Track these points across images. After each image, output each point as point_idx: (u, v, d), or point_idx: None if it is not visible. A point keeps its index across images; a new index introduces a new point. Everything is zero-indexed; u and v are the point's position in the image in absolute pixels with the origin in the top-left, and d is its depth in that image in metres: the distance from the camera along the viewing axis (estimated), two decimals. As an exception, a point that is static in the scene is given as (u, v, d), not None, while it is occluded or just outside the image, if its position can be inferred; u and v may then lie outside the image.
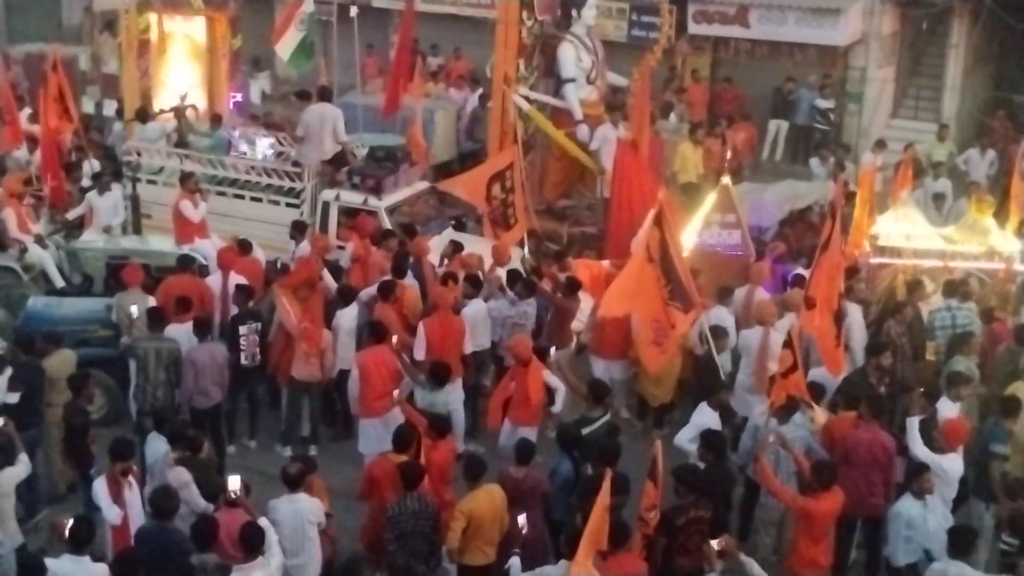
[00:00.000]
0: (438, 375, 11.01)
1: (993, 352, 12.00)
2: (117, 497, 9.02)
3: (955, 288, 12.67)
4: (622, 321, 11.87)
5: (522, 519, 8.90)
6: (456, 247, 13.60)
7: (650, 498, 8.81)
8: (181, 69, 20.03)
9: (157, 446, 9.77)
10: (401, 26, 18.91)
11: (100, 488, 9.07)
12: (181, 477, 9.22)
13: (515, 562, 8.62)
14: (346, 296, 12.34)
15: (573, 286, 12.70)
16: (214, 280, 12.89)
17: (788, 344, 10.06)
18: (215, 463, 10.59)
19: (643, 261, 11.16)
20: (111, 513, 8.94)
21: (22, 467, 9.61)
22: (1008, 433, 10.26)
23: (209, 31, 20.30)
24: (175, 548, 8.43)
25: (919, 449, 9.70)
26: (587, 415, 10.53)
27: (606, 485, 8.29)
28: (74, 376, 10.63)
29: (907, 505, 9.38)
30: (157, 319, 11.59)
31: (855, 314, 12.36)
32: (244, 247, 13.40)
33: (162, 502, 8.67)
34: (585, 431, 10.12)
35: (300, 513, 8.93)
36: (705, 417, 10.40)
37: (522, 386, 10.94)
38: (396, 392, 10.81)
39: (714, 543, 8.51)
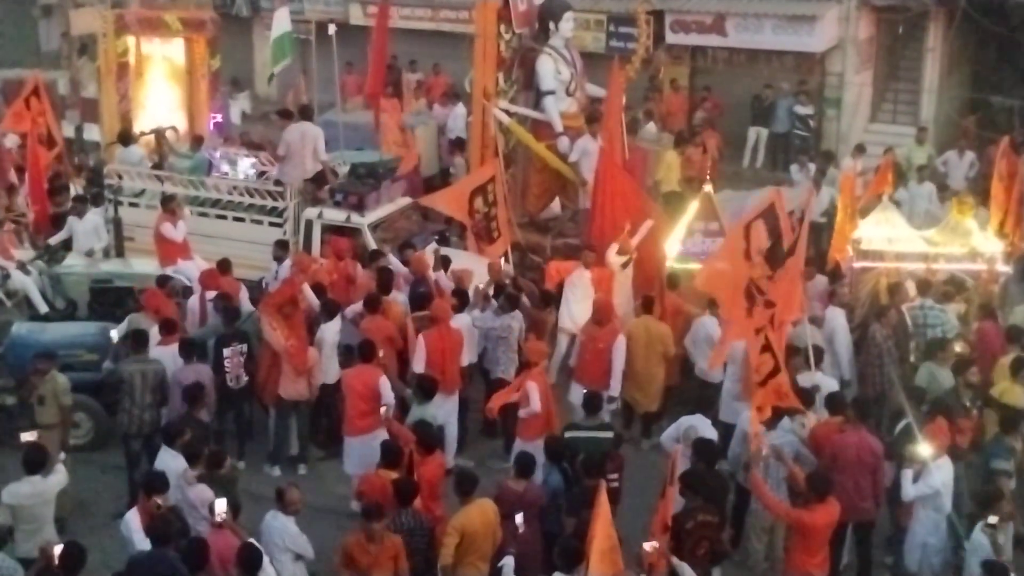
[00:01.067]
0: (425, 388, 11.01)
1: (984, 352, 11.94)
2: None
3: (927, 287, 12.74)
4: (604, 352, 11.89)
5: (519, 518, 8.92)
6: (445, 261, 13.66)
7: (667, 508, 8.77)
8: (160, 91, 20.02)
9: (167, 461, 9.67)
10: (375, 39, 18.85)
11: (133, 522, 8.87)
12: (203, 495, 9.13)
13: (508, 561, 8.62)
14: (330, 310, 12.32)
15: (547, 298, 12.83)
16: (192, 300, 12.92)
17: (768, 349, 10.05)
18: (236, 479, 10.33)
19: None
20: (146, 547, 8.66)
21: (61, 475, 9.74)
22: (1010, 449, 10.15)
23: (188, 52, 20.31)
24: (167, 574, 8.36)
25: (911, 491, 9.62)
26: (577, 423, 10.62)
27: (602, 497, 8.31)
28: None
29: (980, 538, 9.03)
30: (141, 342, 11.56)
31: (839, 318, 12.44)
32: (223, 267, 13.37)
33: (162, 529, 8.56)
34: (568, 435, 10.20)
35: (283, 530, 8.92)
36: (693, 419, 10.46)
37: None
38: (383, 408, 10.74)
39: (646, 546, 8.33)
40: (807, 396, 10.68)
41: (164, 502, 8.91)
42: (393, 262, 13.28)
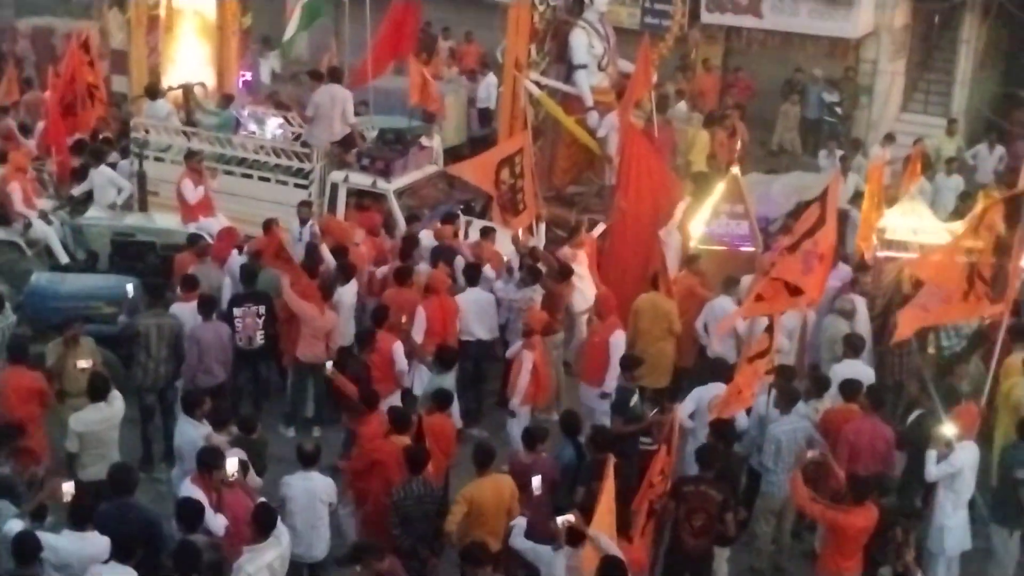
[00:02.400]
0: (444, 358, 11.09)
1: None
2: (218, 506, 8.70)
3: None
4: (600, 345, 11.77)
5: (536, 480, 8.94)
6: (488, 232, 13.76)
7: (660, 463, 8.80)
8: (190, 47, 20.05)
9: (187, 431, 9.71)
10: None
11: (193, 492, 8.67)
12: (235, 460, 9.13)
13: (520, 522, 8.63)
14: (347, 273, 12.34)
15: (565, 272, 12.82)
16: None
17: (768, 328, 10.18)
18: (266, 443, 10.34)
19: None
20: (216, 523, 8.53)
21: (121, 403, 10.03)
22: None
23: (219, 9, 20.32)
24: (141, 521, 8.43)
25: (934, 471, 9.58)
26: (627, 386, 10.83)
27: (610, 471, 8.35)
28: None
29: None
30: (158, 296, 11.71)
31: (860, 307, 12.37)
32: (266, 226, 13.20)
33: (122, 476, 8.71)
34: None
35: (313, 491, 9.00)
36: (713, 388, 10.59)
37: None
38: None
39: (559, 519, 8.34)
40: (822, 382, 10.71)
41: (227, 476, 8.79)
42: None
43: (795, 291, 10.45)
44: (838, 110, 21.83)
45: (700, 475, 9.25)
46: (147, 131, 15.81)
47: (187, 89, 18.16)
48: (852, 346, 11.29)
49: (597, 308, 12.32)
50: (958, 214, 14.75)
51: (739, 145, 16.13)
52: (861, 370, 11.04)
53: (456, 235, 13.74)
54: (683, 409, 10.47)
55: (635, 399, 10.55)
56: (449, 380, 11.01)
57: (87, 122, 16.48)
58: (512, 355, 11.66)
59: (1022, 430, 10.07)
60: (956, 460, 9.53)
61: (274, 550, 8.07)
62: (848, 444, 9.84)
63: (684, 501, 9.03)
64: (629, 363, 11.02)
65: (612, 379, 11.57)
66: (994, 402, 11.07)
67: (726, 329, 11.59)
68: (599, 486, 8.45)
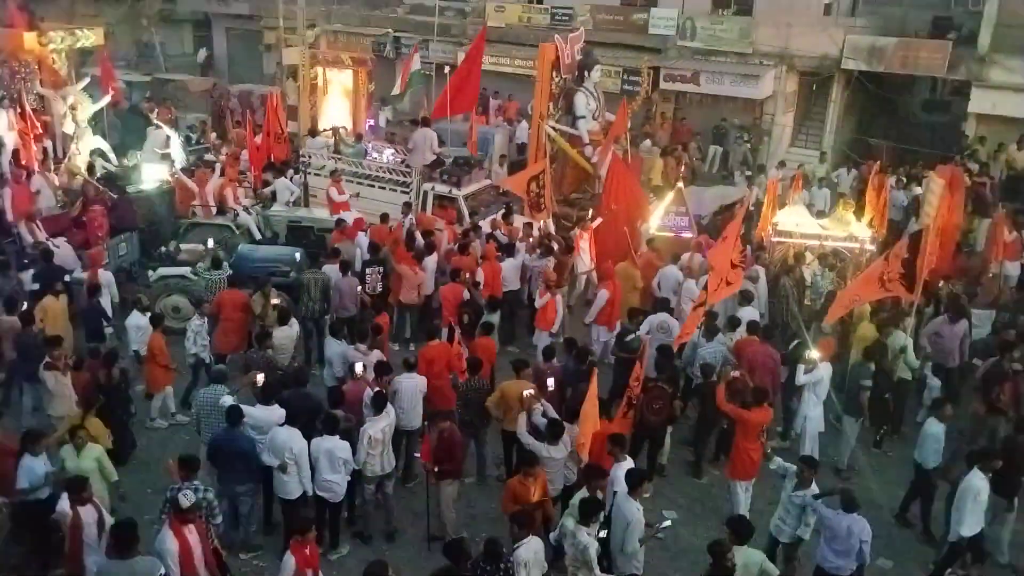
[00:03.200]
0: (492, 303, 11.06)
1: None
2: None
3: (824, 257, 12.42)
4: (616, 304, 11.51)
5: (551, 381, 8.70)
6: (507, 213, 13.82)
7: (636, 372, 8.66)
8: (336, 103, 19.98)
9: (333, 345, 9.71)
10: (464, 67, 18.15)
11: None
12: (372, 359, 9.11)
13: (521, 419, 8.27)
14: (430, 248, 12.33)
15: (569, 248, 12.80)
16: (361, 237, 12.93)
17: (704, 287, 10.08)
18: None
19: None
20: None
21: (297, 326, 9.94)
22: (871, 372, 9.69)
23: (354, 78, 20.20)
24: (309, 401, 8.42)
25: (803, 378, 9.36)
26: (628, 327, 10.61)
27: (594, 380, 8.23)
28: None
29: (975, 479, 7.62)
30: (314, 259, 12.00)
31: (761, 274, 12.17)
32: (383, 219, 13.31)
33: (300, 375, 8.75)
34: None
35: (415, 385, 8.88)
36: (663, 316, 10.58)
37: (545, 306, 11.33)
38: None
39: (524, 392, 8.37)
40: (734, 321, 10.56)
41: (356, 374, 8.71)
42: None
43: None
44: (748, 145, 21.46)
45: (657, 376, 9.16)
46: (309, 156, 15.83)
47: (335, 130, 18.12)
48: (746, 297, 11.08)
49: (598, 275, 12.21)
50: (825, 215, 14.46)
51: (683, 169, 15.84)
52: (753, 313, 10.94)
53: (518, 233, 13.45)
54: (641, 329, 10.43)
55: (632, 336, 10.26)
56: (495, 317, 10.92)
57: (277, 151, 16.51)
58: (539, 304, 11.48)
59: (865, 354, 9.98)
60: (817, 373, 9.42)
61: (385, 420, 8.11)
62: (749, 361, 9.73)
63: (648, 393, 8.94)
64: (632, 313, 10.80)
65: (592, 313, 11.53)
66: (848, 338, 10.93)
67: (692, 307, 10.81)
68: (585, 387, 8.33)
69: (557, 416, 8.25)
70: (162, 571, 6.13)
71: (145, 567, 6.04)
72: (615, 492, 7.28)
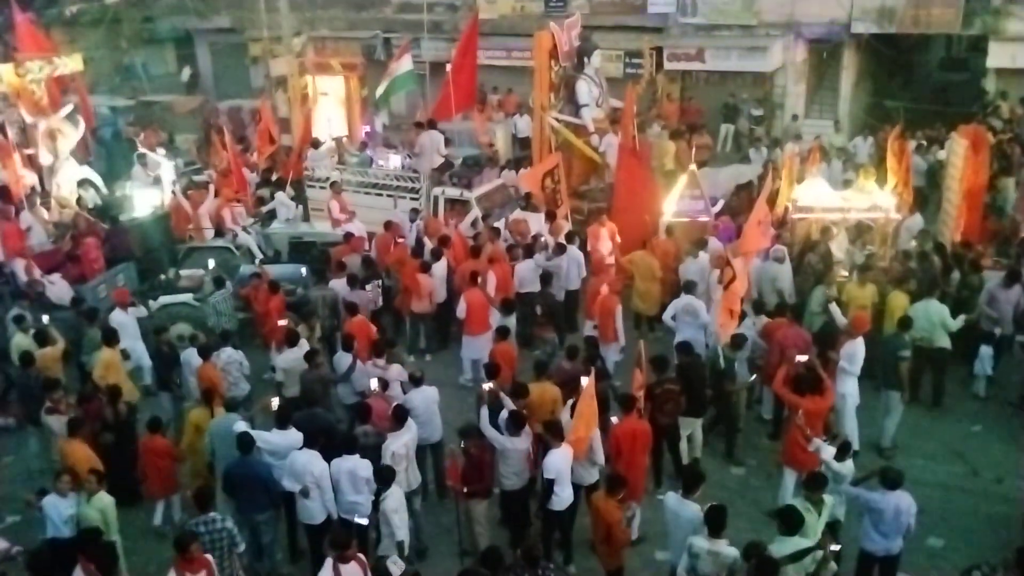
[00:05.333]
0: (506, 305, 11.09)
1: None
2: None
3: (852, 231, 12.40)
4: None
5: (585, 380, 8.49)
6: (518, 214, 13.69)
7: (639, 381, 8.66)
8: (328, 111, 20.08)
9: (343, 359, 9.78)
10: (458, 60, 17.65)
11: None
12: (390, 374, 9.33)
13: (484, 412, 8.30)
14: (436, 254, 12.33)
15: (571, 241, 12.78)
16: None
17: (729, 264, 10.04)
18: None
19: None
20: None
21: (306, 346, 9.84)
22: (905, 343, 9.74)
23: (345, 86, 20.30)
24: (322, 422, 8.56)
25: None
26: None
27: (592, 379, 8.19)
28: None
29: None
30: (320, 275, 11.99)
31: (784, 253, 12.13)
32: (387, 226, 13.27)
33: (312, 394, 8.89)
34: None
35: (429, 398, 8.95)
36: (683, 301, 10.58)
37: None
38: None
39: (484, 386, 8.46)
40: (761, 305, 10.58)
41: (371, 391, 8.92)
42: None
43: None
44: (762, 121, 21.39)
45: (660, 379, 8.96)
46: (312, 169, 15.78)
47: (338, 140, 18.24)
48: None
49: (593, 268, 12.28)
50: (845, 186, 14.43)
51: (696, 151, 15.82)
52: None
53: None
54: (667, 314, 10.51)
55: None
56: (511, 320, 10.85)
57: (286, 167, 16.57)
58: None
59: (900, 324, 9.99)
60: (851, 348, 9.44)
61: (407, 434, 8.20)
62: (778, 344, 9.73)
63: (656, 398, 8.85)
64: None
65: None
66: (884, 312, 10.85)
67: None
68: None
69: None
70: None
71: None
72: (549, 480, 7.56)
